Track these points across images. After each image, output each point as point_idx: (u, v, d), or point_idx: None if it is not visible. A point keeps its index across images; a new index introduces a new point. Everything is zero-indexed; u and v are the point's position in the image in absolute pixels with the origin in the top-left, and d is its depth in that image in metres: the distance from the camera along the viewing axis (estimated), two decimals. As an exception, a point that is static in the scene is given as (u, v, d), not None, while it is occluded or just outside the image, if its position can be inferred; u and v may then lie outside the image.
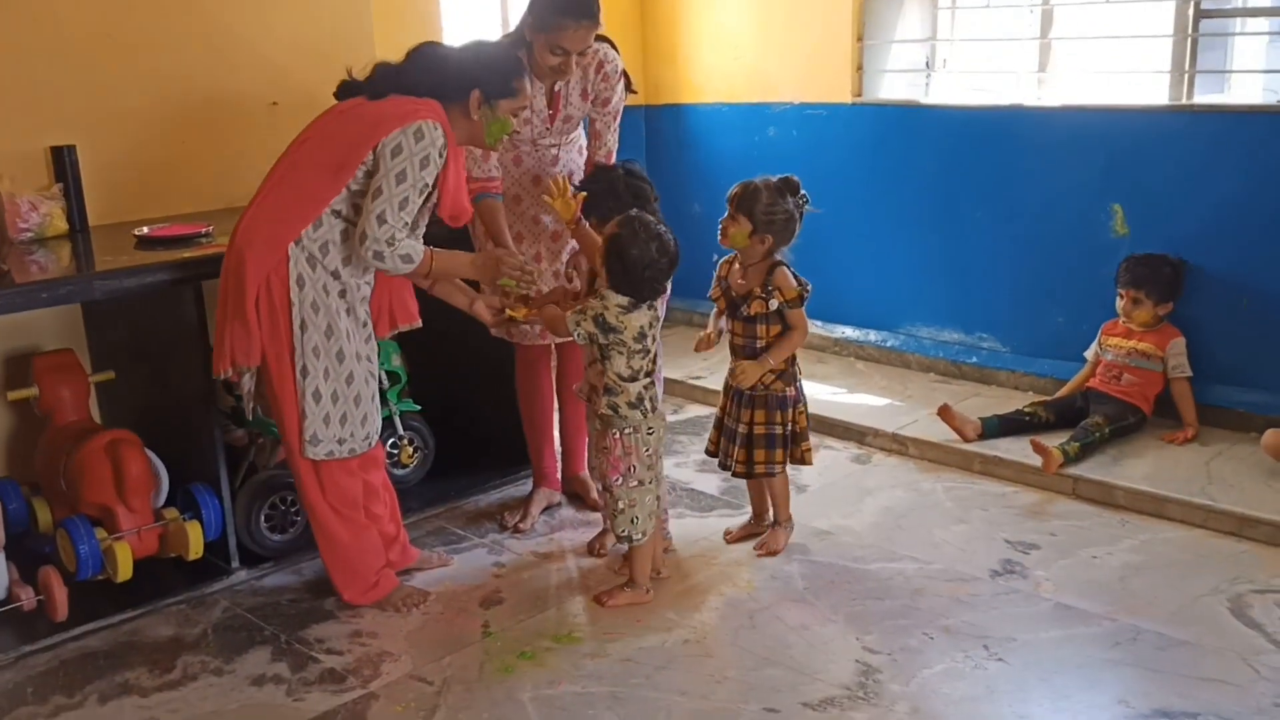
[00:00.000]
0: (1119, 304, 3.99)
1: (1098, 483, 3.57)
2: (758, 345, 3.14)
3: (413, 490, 3.68)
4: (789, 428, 3.18)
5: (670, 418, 4.30)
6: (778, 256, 3.10)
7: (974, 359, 4.59)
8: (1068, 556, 3.22)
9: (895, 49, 4.82)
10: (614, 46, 3.29)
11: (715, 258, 3.27)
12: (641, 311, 2.85)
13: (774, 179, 3.07)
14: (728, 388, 3.24)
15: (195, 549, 3.04)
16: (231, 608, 3.06)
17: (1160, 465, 3.65)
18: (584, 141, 3.42)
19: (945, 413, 3.93)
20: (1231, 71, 4.74)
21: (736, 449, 3.20)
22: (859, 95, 4.79)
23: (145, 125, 3.62)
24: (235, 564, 3.18)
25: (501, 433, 3.79)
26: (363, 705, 2.60)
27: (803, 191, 3.09)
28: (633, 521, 2.95)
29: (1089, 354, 4.11)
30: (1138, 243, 4.04)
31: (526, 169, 3.32)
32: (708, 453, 3.39)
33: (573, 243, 3.34)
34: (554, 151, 3.32)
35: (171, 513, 3.09)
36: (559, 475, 3.68)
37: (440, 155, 2.75)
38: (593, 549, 3.33)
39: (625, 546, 3.05)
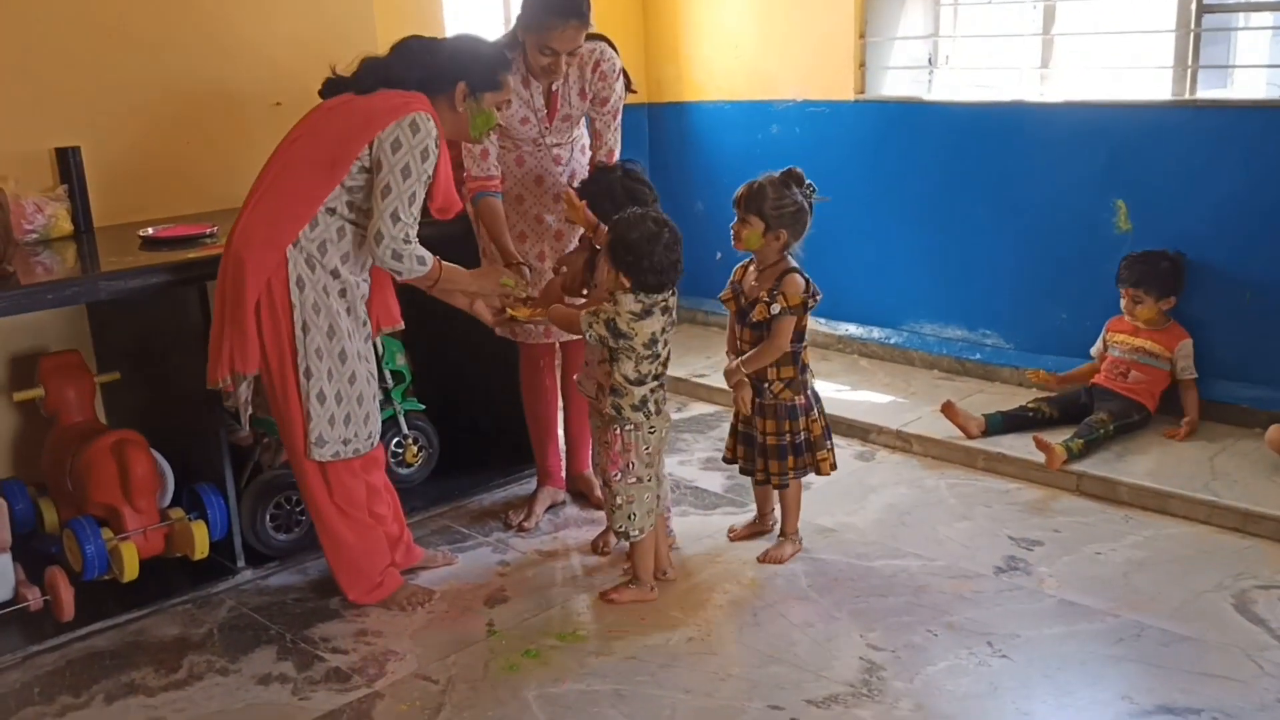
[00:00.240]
0: (1122, 303, 3.99)
1: (1101, 479, 3.57)
2: None
3: (417, 489, 3.69)
4: (801, 436, 3.13)
5: (674, 416, 4.30)
6: (790, 259, 3.05)
7: (977, 356, 4.58)
8: (1071, 553, 3.22)
9: (897, 45, 4.82)
10: (612, 45, 3.28)
11: (719, 255, 3.27)
12: (655, 318, 2.83)
13: (776, 174, 3.03)
14: None
15: (201, 549, 3.05)
16: (237, 607, 3.07)
17: (1164, 461, 3.65)
18: (587, 141, 3.42)
19: (948, 410, 3.94)
20: (1234, 66, 4.72)
21: (757, 456, 3.19)
22: (861, 92, 4.78)
23: (149, 126, 3.63)
24: (241, 564, 3.19)
25: (506, 431, 3.80)
26: (368, 704, 2.61)
27: (808, 181, 3.04)
28: (630, 518, 2.96)
29: (1094, 351, 4.10)
30: (1140, 238, 4.04)
31: (529, 169, 3.32)
32: (725, 460, 3.35)
33: (574, 241, 3.35)
34: (556, 151, 3.32)
35: (177, 513, 3.11)
36: (563, 474, 3.68)
37: (435, 146, 2.75)
38: (596, 546, 3.34)
39: (625, 543, 3.06)
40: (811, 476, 3.28)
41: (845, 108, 4.81)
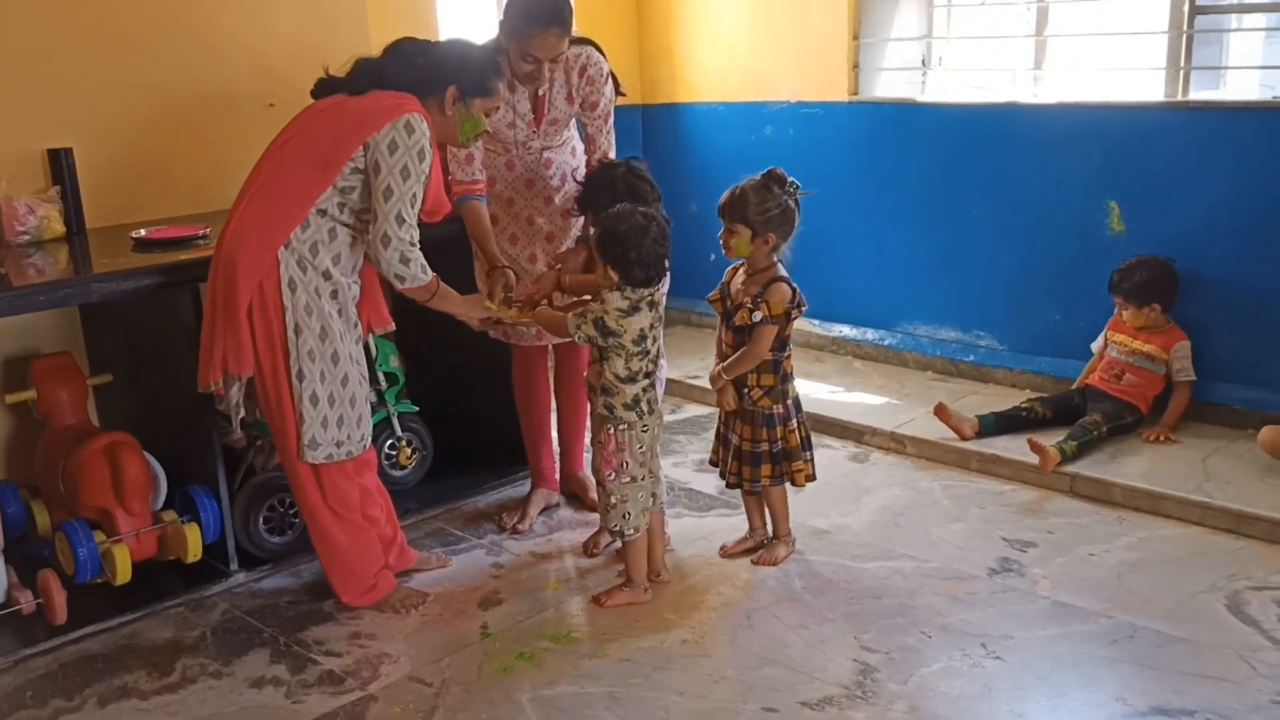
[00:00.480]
0: (1116, 310, 4.00)
1: (1095, 480, 3.58)
2: None
3: (411, 492, 3.68)
4: (778, 445, 3.12)
5: (668, 417, 4.31)
6: (780, 266, 3.03)
7: (971, 357, 4.59)
8: (1065, 554, 3.22)
9: (891, 47, 4.82)
10: (599, 49, 3.27)
11: (712, 256, 3.27)
12: (642, 314, 2.84)
13: (757, 177, 3.00)
14: None
15: (194, 551, 3.04)
16: (230, 610, 3.06)
17: (1157, 463, 3.66)
18: (576, 143, 3.42)
19: (942, 412, 3.94)
20: (1227, 67, 4.74)
21: (731, 460, 3.19)
22: (855, 94, 4.79)
23: (142, 127, 3.63)
24: (234, 566, 3.19)
25: (499, 434, 3.79)
26: (361, 707, 2.61)
27: (790, 180, 3.00)
28: (624, 517, 2.96)
29: (1095, 346, 4.10)
30: (1133, 239, 4.04)
31: (519, 173, 3.32)
32: (711, 463, 3.35)
33: (568, 241, 3.35)
34: (546, 154, 3.32)
35: (170, 515, 3.10)
36: (557, 476, 3.68)
37: (430, 147, 2.75)
38: (587, 549, 3.33)
39: (617, 544, 3.05)
40: (806, 477, 3.28)
41: (839, 109, 4.82)
